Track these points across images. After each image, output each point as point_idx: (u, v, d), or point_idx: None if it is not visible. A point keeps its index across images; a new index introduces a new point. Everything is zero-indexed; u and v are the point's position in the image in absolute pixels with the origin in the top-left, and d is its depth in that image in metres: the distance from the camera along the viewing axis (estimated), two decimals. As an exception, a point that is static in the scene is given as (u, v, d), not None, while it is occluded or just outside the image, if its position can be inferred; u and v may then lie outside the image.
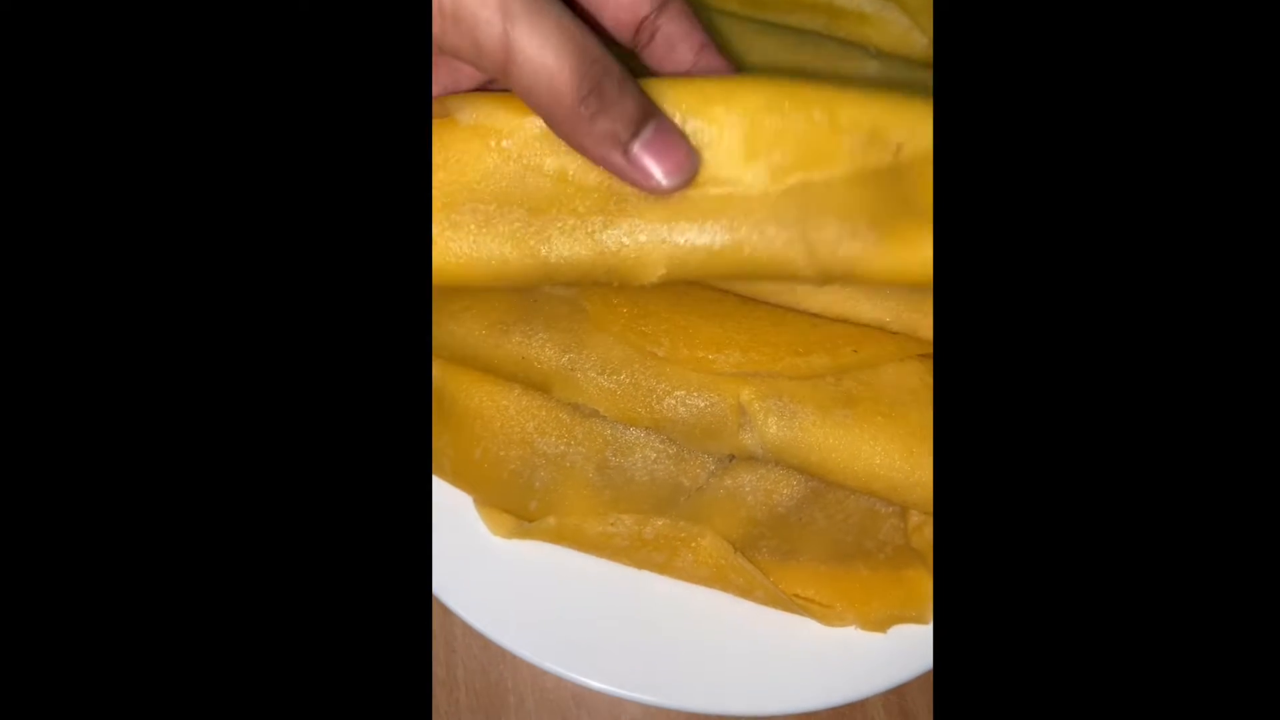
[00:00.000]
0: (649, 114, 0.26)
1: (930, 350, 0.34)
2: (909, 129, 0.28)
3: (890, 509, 0.34)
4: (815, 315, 0.34)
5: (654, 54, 0.29)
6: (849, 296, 0.33)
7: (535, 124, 0.27)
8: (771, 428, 0.31)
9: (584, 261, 0.27)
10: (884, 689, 0.34)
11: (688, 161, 0.26)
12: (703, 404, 0.32)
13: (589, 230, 0.27)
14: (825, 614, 0.34)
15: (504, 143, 0.27)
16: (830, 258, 0.27)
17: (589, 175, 0.27)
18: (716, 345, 0.32)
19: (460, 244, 0.27)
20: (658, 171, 0.25)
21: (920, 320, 0.33)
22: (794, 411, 0.32)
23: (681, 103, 0.26)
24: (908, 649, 0.34)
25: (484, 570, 0.35)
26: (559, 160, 0.27)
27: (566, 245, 0.27)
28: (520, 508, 0.35)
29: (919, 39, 0.39)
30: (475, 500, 0.36)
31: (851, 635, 0.35)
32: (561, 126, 0.25)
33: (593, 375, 0.32)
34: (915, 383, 0.33)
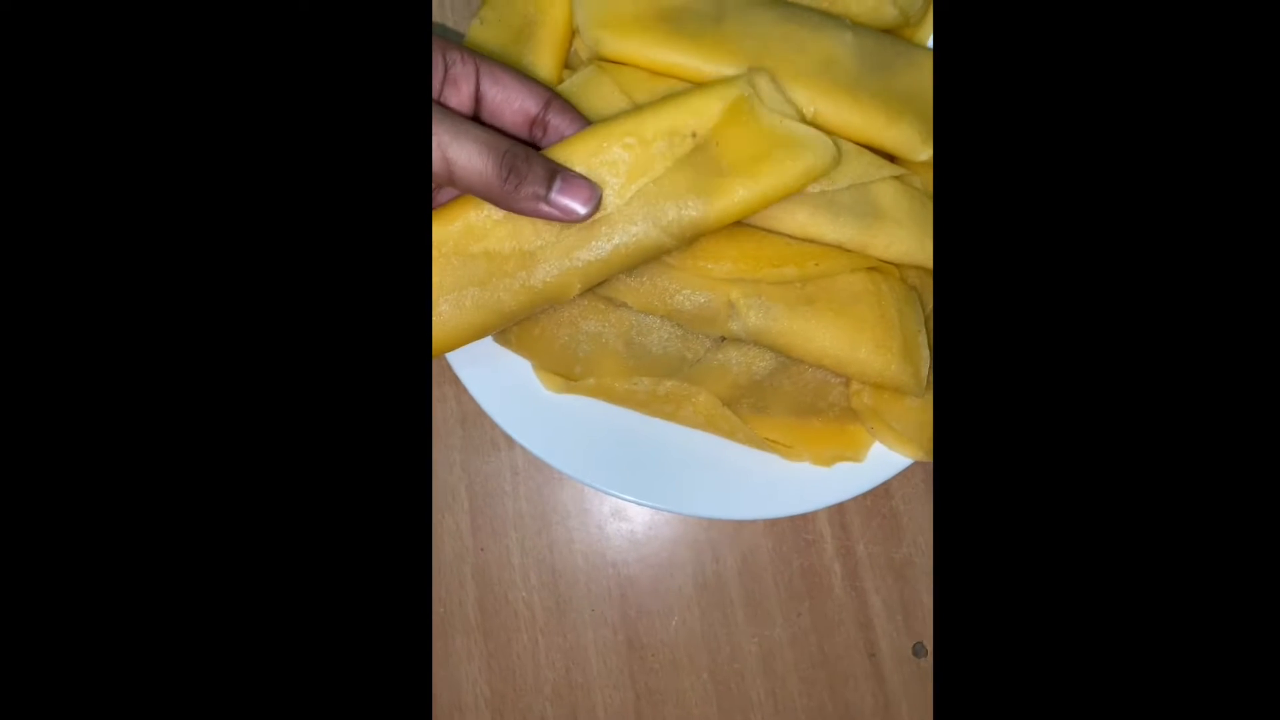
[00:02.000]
0: (555, 170, 0.37)
1: (873, 264, 0.45)
2: (696, 117, 0.40)
3: (838, 379, 0.46)
4: (789, 236, 0.45)
5: (549, 143, 0.39)
6: (815, 223, 0.44)
7: (454, 229, 0.39)
8: (752, 318, 0.43)
9: (527, 303, 0.40)
10: (828, 504, 0.46)
11: (592, 191, 0.37)
12: (703, 300, 0.43)
13: (521, 282, 0.40)
14: (788, 453, 0.46)
15: (443, 249, 0.39)
16: (678, 229, 0.39)
17: (504, 246, 0.39)
18: (714, 257, 0.43)
19: (446, 326, 0.40)
20: (576, 205, 0.37)
21: (868, 241, 0.44)
22: (769, 307, 0.43)
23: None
24: (846, 478, 0.46)
25: (539, 415, 0.46)
26: (482, 245, 0.40)
27: (513, 297, 0.40)
28: (567, 371, 0.46)
29: (889, 10, 0.48)
30: (534, 365, 0.47)
31: (806, 469, 0.46)
32: (500, 202, 0.37)
33: (623, 277, 0.43)
34: (859, 288, 0.44)
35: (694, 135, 0.39)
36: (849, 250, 0.44)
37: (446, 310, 0.40)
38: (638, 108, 0.40)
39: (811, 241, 0.44)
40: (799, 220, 0.44)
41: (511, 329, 0.47)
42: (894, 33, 0.49)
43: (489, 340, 0.47)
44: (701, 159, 0.39)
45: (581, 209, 0.37)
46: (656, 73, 0.45)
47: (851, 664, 0.48)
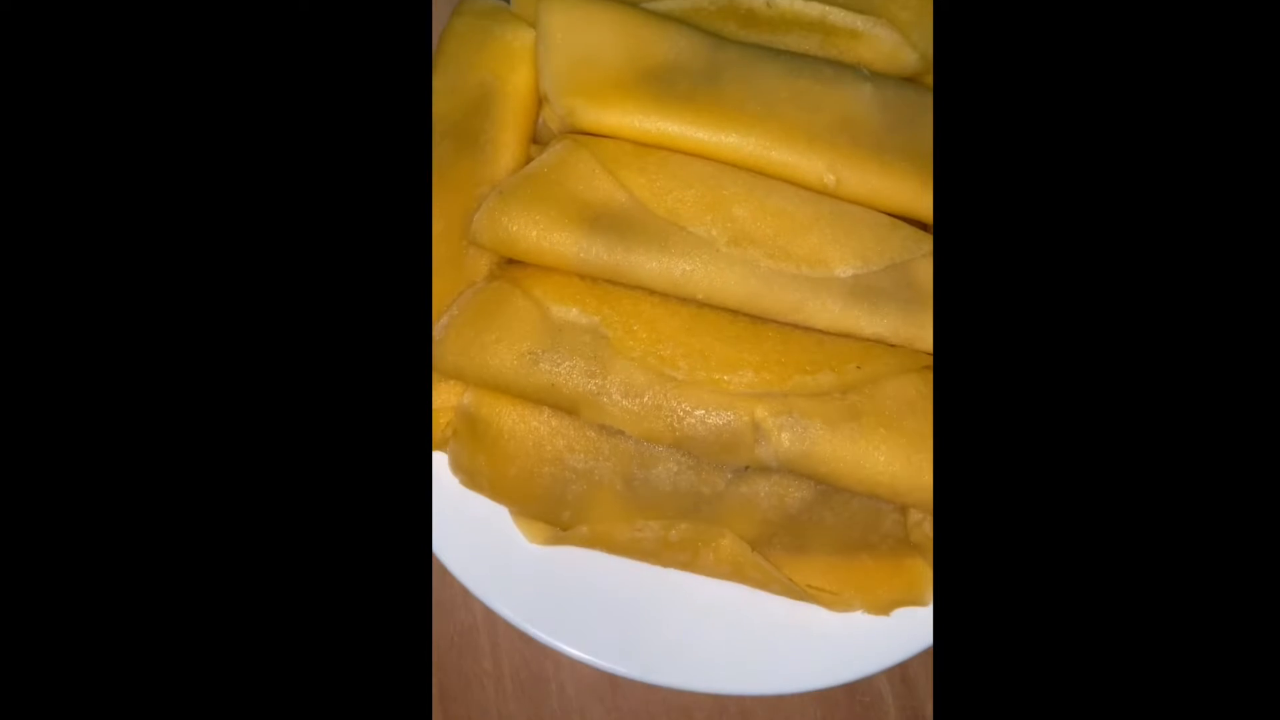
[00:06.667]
0: None
1: (926, 362, 0.37)
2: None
3: (891, 507, 0.37)
4: (820, 332, 0.36)
5: None
6: (851, 315, 0.36)
7: None
8: (785, 442, 0.34)
9: None
10: (891, 665, 0.37)
11: None
12: (721, 422, 0.35)
13: None
14: (834, 601, 0.38)
15: None
16: None
17: None
18: (730, 367, 0.35)
19: None
20: None
21: (916, 334, 0.36)
22: (805, 426, 0.34)
23: None
24: (910, 629, 0.38)
25: (522, 574, 0.38)
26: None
27: None
28: (554, 517, 0.38)
29: (908, 55, 0.41)
30: (512, 512, 0.38)
31: (858, 620, 0.38)
32: None
33: (617, 399, 0.35)
34: (913, 394, 0.36)
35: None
36: (894, 346, 0.37)
37: None
38: None
39: (848, 337, 0.36)
40: (832, 312, 0.36)
41: (483, 470, 0.37)
42: (916, 80, 0.42)
43: (452, 482, 0.38)
44: None
45: None
46: (646, 144, 0.37)
47: None
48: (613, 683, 0.40)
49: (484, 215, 0.37)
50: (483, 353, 0.36)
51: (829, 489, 0.37)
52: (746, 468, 0.36)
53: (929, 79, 0.42)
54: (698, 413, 0.35)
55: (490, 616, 0.40)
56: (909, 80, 0.41)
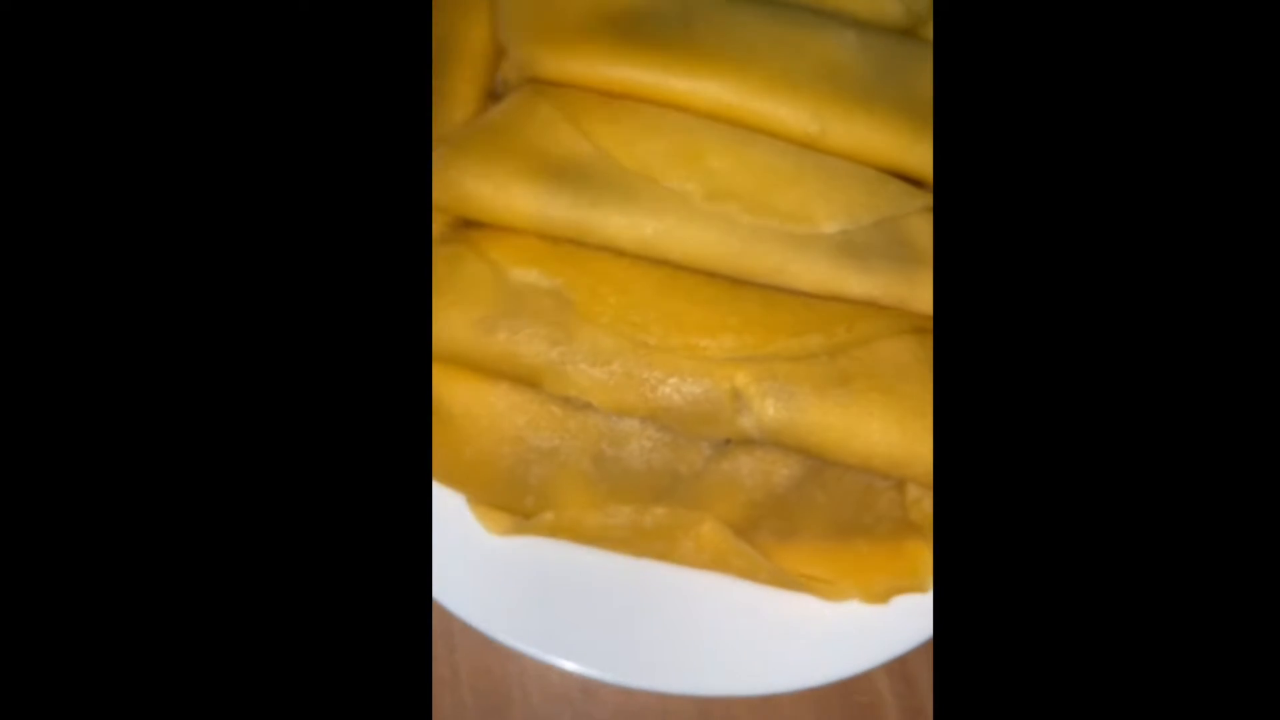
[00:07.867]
0: None
1: (920, 323, 0.34)
2: None
3: (887, 483, 0.34)
4: (806, 294, 0.33)
5: None
6: (839, 274, 0.33)
7: None
8: (769, 410, 0.31)
9: None
10: (889, 659, 0.34)
11: None
12: (698, 390, 0.32)
13: None
14: (828, 590, 0.34)
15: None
16: None
17: None
18: (709, 330, 0.32)
19: None
20: None
21: (909, 293, 0.33)
22: (791, 393, 0.31)
23: None
24: (909, 618, 0.35)
25: (481, 569, 0.34)
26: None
27: None
28: (516, 504, 0.34)
29: (893, 7, 0.39)
30: (469, 500, 0.35)
31: (853, 610, 0.35)
32: None
33: (584, 367, 0.32)
34: (908, 358, 0.33)
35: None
36: (885, 307, 0.34)
37: None
38: None
39: (836, 299, 0.33)
40: (818, 272, 0.33)
41: (435, 452, 0.34)
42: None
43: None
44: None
45: None
46: (613, 94, 0.34)
47: None
48: (584, 688, 0.37)
49: (435, 171, 0.33)
50: (434, 319, 0.32)
51: (819, 465, 0.34)
52: (728, 442, 0.33)
53: (917, 33, 0.40)
54: (672, 380, 0.32)
55: (444, 617, 0.37)
56: (893, 32, 0.39)
